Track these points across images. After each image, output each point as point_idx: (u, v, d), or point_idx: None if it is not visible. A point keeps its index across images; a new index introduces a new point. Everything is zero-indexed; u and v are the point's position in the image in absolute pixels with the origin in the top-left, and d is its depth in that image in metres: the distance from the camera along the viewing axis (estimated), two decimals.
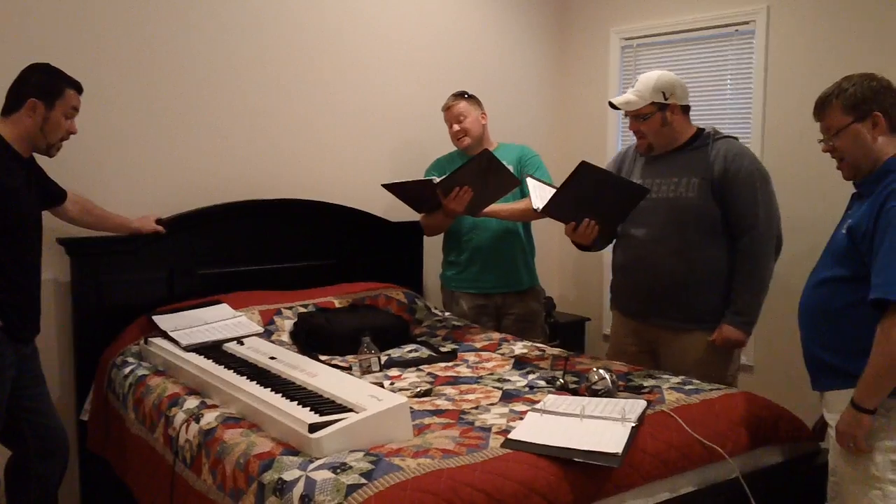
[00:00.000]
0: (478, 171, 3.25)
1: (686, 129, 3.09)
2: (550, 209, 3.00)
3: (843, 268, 2.23)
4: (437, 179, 3.35)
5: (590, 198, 2.93)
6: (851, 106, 2.23)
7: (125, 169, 3.51)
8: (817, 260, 2.39)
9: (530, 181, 3.21)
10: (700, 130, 3.10)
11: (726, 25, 4.10)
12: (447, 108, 3.77)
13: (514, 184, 3.39)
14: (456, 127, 3.74)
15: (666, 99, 3.01)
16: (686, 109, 3.09)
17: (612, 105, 3.11)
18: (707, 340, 3.03)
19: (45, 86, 2.77)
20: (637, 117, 3.06)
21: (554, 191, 3.08)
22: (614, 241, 3.30)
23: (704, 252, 3.00)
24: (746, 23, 4.00)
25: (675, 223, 3.02)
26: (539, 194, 3.11)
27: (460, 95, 3.77)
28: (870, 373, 2.11)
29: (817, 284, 2.32)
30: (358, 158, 4.18)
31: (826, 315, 2.27)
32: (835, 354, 2.24)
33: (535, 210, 3.04)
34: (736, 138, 3.11)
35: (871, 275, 2.11)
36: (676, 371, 3.01)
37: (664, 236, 3.04)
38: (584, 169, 2.85)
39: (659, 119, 3.03)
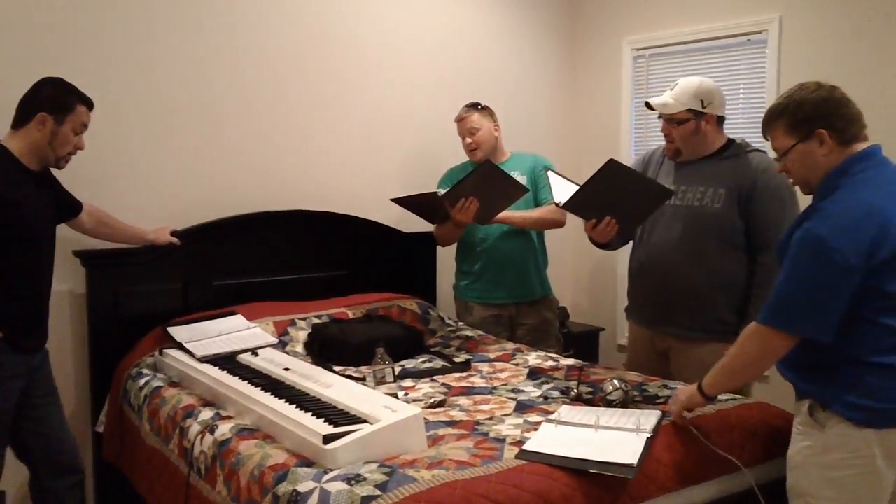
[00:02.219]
0: (480, 182, 3.24)
1: (717, 139, 3.04)
2: (572, 204, 2.96)
3: None
4: (443, 192, 3.35)
5: (613, 196, 2.88)
6: (793, 126, 2.15)
7: (140, 181, 3.54)
8: None
9: (551, 175, 3.17)
10: (731, 141, 3.06)
11: (738, 35, 4.10)
12: (460, 120, 3.78)
13: (520, 191, 3.36)
14: (468, 140, 3.74)
15: (703, 107, 2.96)
16: (721, 120, 3.04)
17: (648, 105, 3.06)
18: (722, 352, 3.00)
19: (56, 100, 2.75)
20: (671, 121, 3.01)
21: (573, 186, 3.04)
22: (631, 244, 3.28)
23: (722, 263, 2.96)
24: (759, 32, 4.00)
25: (695, 231, 2.98)
26: (560, 189, 3.06)
27: (473, 107, 3.77)
28: (724, 366, 2.23)
29: None
30: (371, 169, 4.20)
31: None
32: (787, 368, 2.21)
33: (557, 204, 3.00)
34: (765, 152, 3.01)
35: None
36: (688, 381, 2.98)
37: (683, 244, 3.00)
38: (612, 166, 2.80)
39: (692, 126, 2.98)
